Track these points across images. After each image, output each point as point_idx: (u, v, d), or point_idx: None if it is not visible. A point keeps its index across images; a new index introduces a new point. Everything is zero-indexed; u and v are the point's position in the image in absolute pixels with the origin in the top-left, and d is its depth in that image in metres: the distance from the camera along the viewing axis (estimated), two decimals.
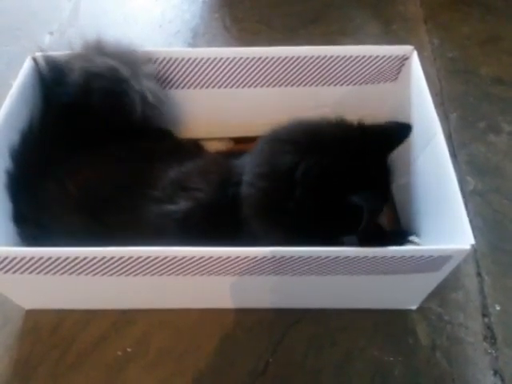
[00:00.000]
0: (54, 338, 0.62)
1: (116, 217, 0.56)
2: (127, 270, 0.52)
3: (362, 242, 0.50)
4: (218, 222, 0.55)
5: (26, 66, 0.65)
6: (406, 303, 0.65)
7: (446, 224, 0.55)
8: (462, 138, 0.85)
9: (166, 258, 0.50)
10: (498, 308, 0.65)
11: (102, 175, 0.60)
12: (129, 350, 0.61)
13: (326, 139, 0.52)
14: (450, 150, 0.57)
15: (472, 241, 0.48)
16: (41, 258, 0.50)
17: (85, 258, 0.50)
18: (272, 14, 1.08)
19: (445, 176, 0.55)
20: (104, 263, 0.51)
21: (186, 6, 1.11)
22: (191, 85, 0.72)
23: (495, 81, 0.94)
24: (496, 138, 0.85)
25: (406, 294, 0.62)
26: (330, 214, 0.50)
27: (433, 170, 0.59)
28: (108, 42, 0.65)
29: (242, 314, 0.64)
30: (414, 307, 0.65)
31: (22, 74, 0.64)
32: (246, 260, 0.51)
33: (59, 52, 0.67)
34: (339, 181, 0.50)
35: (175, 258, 0.50)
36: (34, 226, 0.59)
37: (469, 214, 0.74)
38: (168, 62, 0.69)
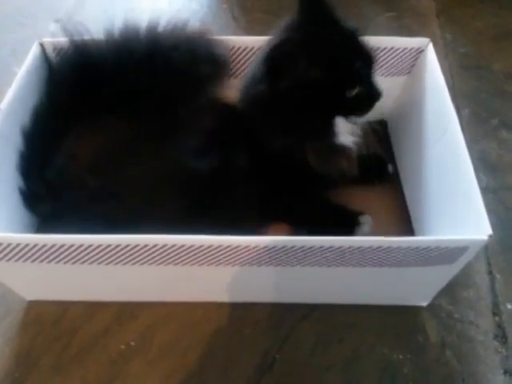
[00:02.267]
0: (57, 330, 0.61)
1: (129, 174, 0.55)
2: (132, 259, 0.51)
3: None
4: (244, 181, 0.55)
5: (34, 51, 0.65)
6: (416, 299, 0.63)
7: (462, 214, 0.53)
8: (474, 134, 0.83)
9: (173, 246, 0.49)
10: (509, 307, 0.64)
11: (113, 137, 0.57)
12: (132, 343, 0.60)
13: None
14: None
15: (490, 231, 0.47)
16: (44, 246, 0.48)
17: (90, 246, 0.49)
18: (281, 4, 1.06)
19: (461, 166, 0.54)
20: (109, 251, 0.50)
21: None
22: None
23: (508, 76, 0.92)
24: (508, 134, 0.84)
25: (417, 288, 0.61)
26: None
27: (448, 160, 0.58)
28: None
29: (248, 308, 0.63)
30: (424, 304, 0.64)
31: (30, 59, 0.63)
32: (253, 249, 0.49)
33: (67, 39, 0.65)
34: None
35: (183, 246, 0.49)
36: (47, 203, 0.58)
37: None
38: None
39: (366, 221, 0.67)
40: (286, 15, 1.02)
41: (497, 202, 0.75)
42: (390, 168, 0.75)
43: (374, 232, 0.67)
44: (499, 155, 0.81)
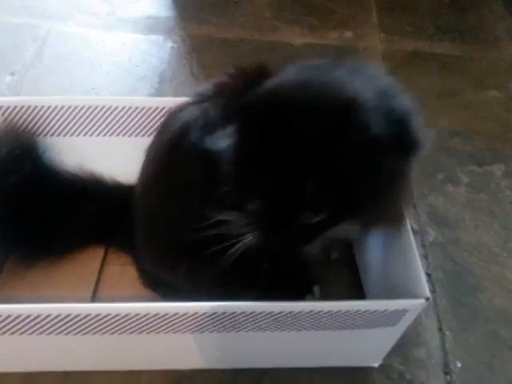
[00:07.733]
0: None
1: None
2: (67, 329, 0.50)
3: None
4: None
5: None
6: (367, 360, 0.62)
7: (403, 279, 0.54)
8: (421, 189, 0.86)
9: (117, 315, 0.48)
10: (458, 365, 0.64)
11: None
12: None
13: None
14: (410, 201, 0.57)
15: (427, 294, 0.48)
16: None
17: (28, 316, 0.47)
18: (239, 62, 1.10)
19: (402, 234, 0.55)
20: (48, 322, 0.48)
21: (155, 51, 1.11)
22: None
23: (452, 133, 0.97)
24: (454, 188, 0.87)
25: (365, 350, 0.60)
26: None
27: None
28: None
29: (197, 375, 0.60)
30: (376, 364, 0.63)
31: None
32: (199, 316, 0.49)
33: (10, 98, 0.65)
34: None
35: (118, 315, 0.48)
36: None
37: (429, 266, 0.75)
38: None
39: (316, 290, 0.67)
40: None
41: (445, 256, 0.76)
42: (335, 254, 0.71)
43: (328, 296, 0.67)
44: (446, 209, 0.84)
